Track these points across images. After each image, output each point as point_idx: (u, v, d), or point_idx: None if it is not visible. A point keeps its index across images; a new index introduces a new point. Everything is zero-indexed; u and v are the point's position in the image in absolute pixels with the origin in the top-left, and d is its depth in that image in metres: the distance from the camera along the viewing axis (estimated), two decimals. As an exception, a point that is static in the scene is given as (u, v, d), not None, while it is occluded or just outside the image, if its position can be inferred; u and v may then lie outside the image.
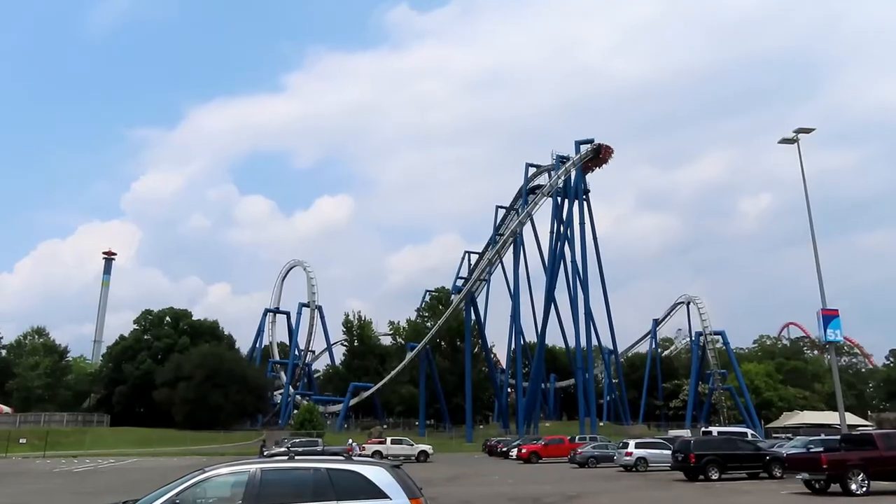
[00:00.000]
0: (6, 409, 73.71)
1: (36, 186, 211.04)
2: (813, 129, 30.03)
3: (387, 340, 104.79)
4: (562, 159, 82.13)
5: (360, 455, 43.38)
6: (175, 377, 75.99)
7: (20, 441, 56.80)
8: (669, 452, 29.31)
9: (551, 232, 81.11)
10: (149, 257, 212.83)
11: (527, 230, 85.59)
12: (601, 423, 78.37)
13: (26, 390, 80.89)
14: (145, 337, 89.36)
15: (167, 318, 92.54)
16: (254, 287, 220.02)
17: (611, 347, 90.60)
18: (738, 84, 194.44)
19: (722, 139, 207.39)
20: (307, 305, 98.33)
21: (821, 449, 23.87)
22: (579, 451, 37.90)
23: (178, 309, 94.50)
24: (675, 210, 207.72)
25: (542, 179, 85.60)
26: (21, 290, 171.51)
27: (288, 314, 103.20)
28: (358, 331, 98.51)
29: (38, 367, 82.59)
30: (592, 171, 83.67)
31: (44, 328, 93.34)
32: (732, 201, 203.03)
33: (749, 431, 43.25)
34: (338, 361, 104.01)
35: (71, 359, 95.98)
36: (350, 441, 46.44)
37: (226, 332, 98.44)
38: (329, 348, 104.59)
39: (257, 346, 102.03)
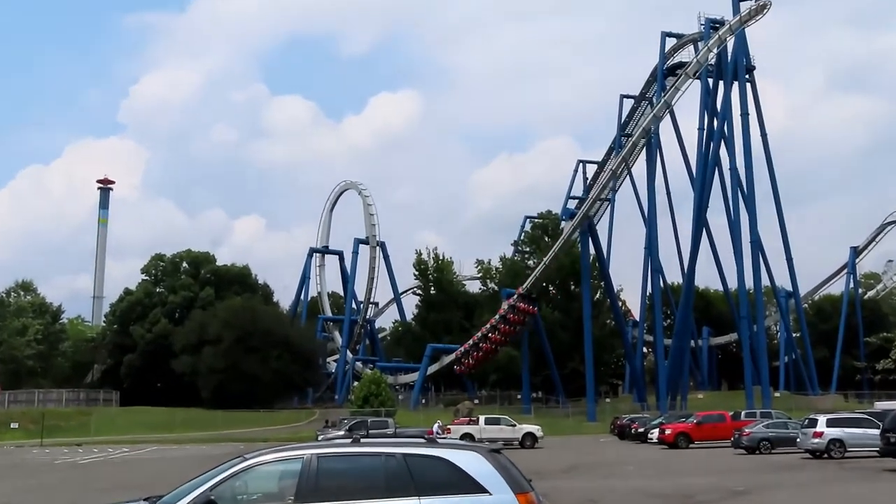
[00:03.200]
0: (-9, 385, 78.57)
1: (9, 97, 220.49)
2: None
3: (474, 286, 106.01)
4: (713, 24, 79.24)
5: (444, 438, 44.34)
6: (198, 340, 79.38)
7: (11, 426, 60.79)
8: (876, 432, 28.69)
9: (700, 128, 79.05)
10: (157, 185, 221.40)
11: (665, 128, 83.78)
12: (777, 394, 77.52)
13: (14, 362, 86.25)
14: (157, 290, 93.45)
15: (184, 265, 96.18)
16: (294, 220, 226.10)
17: (789, 288, 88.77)
18: None
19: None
20: (365, 242, 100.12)
21: None
22: (747, 431, 37.65)
23: (197, 252, 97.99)
24: (885, 91, 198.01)
25: (686, 54, 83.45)
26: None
27: (340, 255, 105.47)
28: (435, 274, 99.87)
29: (27, 332, 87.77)
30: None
31: (30, 282, 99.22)
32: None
33: None
34: (409, 316, 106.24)
35: (66, 321, 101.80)
36: (438, 423, 47.53)
37: (260, 281, 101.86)
38: (397, 299, 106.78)
39: (301, 298, 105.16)
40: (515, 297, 76.67)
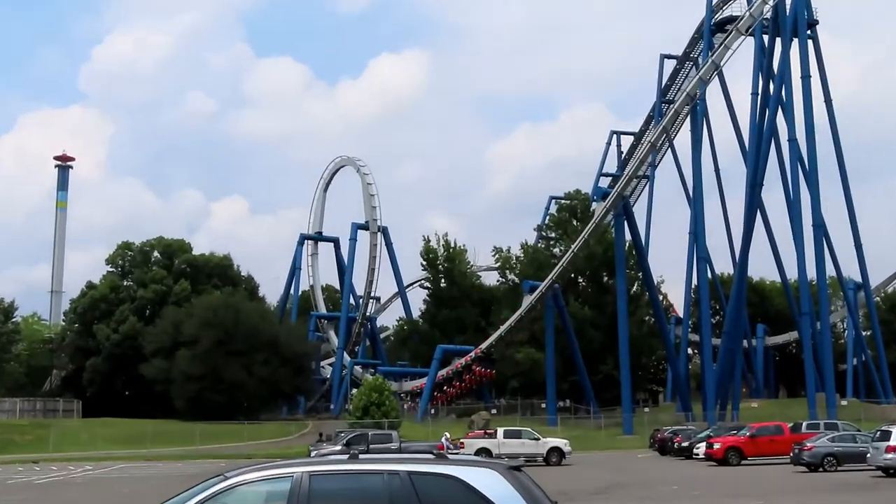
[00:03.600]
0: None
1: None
2: None
3: (490, 278, 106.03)
4: (770, -29, 78.70)
5: (457, 453, 44.44)
6: (172, 342, 79.66)
7: (-43, 440, 61.10)
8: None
9: (754, 93, 78.64)
10: (124, 163, 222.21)
11: (713, 93, 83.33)
12: (844, 402, 77.20)
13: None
14: (125, 283, 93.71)
15: (155, 255, 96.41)
16: (283, 202, 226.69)
17: (858, 279, 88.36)
18: None
19: None
20: (365, 228, 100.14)
21: None
22: (808, 445, 37.54)
23: (170, 239, 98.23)
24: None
25: (737, 7, 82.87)
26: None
27: (336, 242, 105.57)
28: (446, 265, 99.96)
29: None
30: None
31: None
32: None
33: None
34: (416, 313, 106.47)
35: (20, 319, 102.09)
36: (445, 435, 47.62)
37: (243, 273, 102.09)
38: (402, 293, 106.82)
39: (291, 292, 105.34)
40: (472, 356, 78.40)
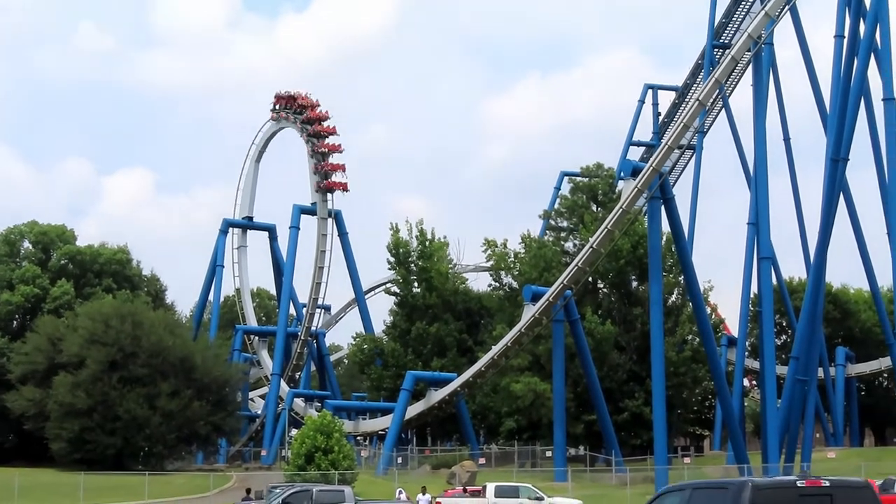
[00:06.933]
0: None
1: None
2: None
3: (480, 282, 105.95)
4: None
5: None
6: (48, 364, 79.04)
7: None
8: None
9: (838, 36, 78.68)
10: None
11: (782, 34, 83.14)
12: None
13: None
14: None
15: (26, 245, 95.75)
16: (200, 177, 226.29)
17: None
18: None
19: None
20: (311, 212, 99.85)
21: None
22: (904, 511, 37.56)
23: (47, 225, 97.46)
24: None
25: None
26: None
27: (271, 231, 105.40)
28: (420, 262, 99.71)
29: None
30: None
31: None
32: None
33: None
34: (379, 328, 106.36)
35: None
36: (399, 490, 47.59)
37: (145, 272, 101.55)
38: (360, 300, 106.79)
39: (210, 298, 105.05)
40: None
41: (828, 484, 15.72)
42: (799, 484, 15.71)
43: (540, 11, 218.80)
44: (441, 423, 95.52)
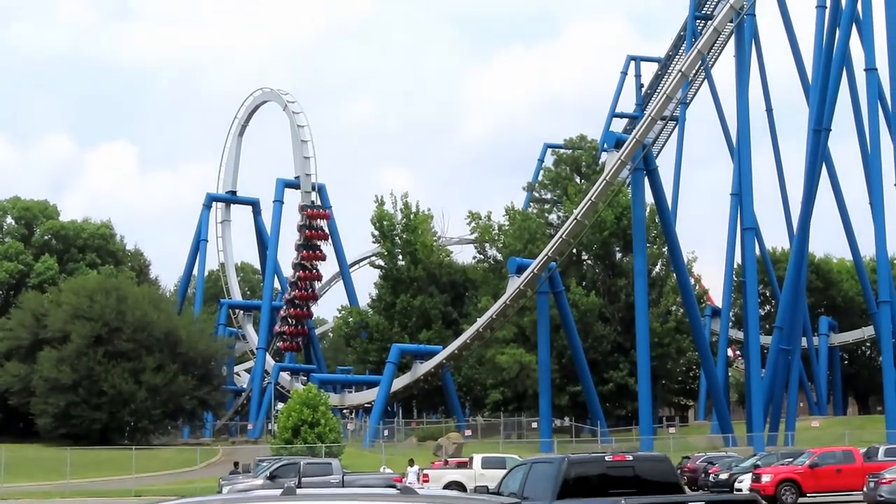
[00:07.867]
0: None
1: None
2: None
3: (465, 254, 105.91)
4: None
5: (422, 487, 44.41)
6: (32, 339, 79.10)
7: None
8: None
9: (820, 6, 78.81)
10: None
11: (763, 6, 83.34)
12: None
13: None
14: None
15: (9, 221, 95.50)
16: (183, 151, 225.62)
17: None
18: None
19: None
20: (295, 186, 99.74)
21: None
22: (887, 477, 37.81)
23: (29, 201, 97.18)
24: None
25: None
26: None
27: (255, 205, 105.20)
28: (404, 235, 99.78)
29: None
30: None
31: None
32: None
33: None
34: (364, 301, 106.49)
35: None
36: (383, 469, 47.70)
37: (129, 247, 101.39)
38: (345, 274, 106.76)
39: (195, 272, 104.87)
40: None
41: (631, 458, 20.57)
42: (607, 458, 20.34)
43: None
44: (427, 395, 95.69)
